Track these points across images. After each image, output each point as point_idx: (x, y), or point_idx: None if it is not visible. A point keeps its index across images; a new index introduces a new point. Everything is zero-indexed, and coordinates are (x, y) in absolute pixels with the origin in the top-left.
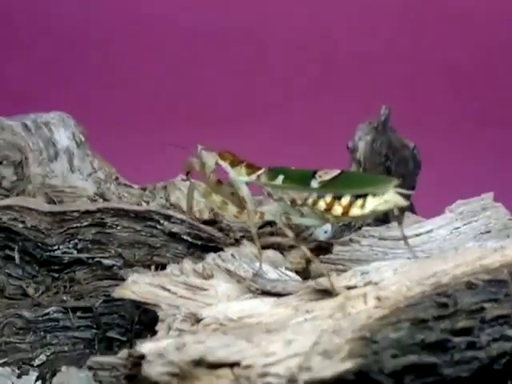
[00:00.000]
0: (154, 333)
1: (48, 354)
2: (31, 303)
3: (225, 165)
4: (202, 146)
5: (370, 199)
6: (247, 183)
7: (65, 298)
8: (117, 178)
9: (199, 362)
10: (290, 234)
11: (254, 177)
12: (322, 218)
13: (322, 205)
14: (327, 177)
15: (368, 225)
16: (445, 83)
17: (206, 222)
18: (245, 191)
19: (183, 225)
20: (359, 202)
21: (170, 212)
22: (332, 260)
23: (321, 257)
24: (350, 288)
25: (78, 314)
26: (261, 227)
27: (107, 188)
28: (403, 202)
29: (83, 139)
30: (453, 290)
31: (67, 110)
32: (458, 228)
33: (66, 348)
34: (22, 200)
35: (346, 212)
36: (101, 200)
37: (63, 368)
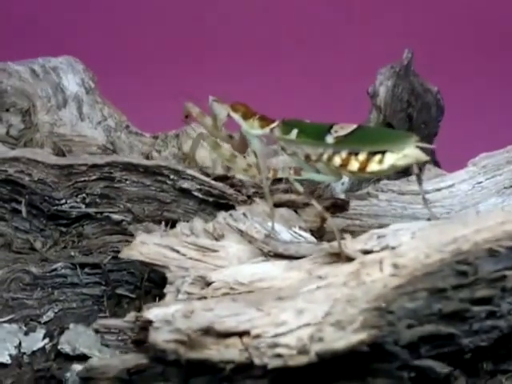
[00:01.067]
0: (162, 295)
1: (56, 310)
2: (39, 258)
3: (237, 117)
4: (213, 97)
5: (389, 154)
6: (260, 136)
7: (73, 254)
8: (127, 127)
9: (207, 331)
10: (301, 189)
11: (267, 130)
12: (337, 175)
13: (337, 160)
14: (343, 132)
15: (387, 178)
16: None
17: (217, 178)
18: (257, 145)
19: (194, 181)
20: (377, 157)
21: (180, 167)
22: (349, 215)
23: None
24: (365, 252)
25: (87, 270)
26: (274, 182)
27: (117, 137)
28: (424, 157)
29: (93, 85)
30: (473, 257)
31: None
32: (481, 183)
33: (74, 305)
34: (29, 152)
35: (363, 168)
36: (111, 149)
37: (71, 325)
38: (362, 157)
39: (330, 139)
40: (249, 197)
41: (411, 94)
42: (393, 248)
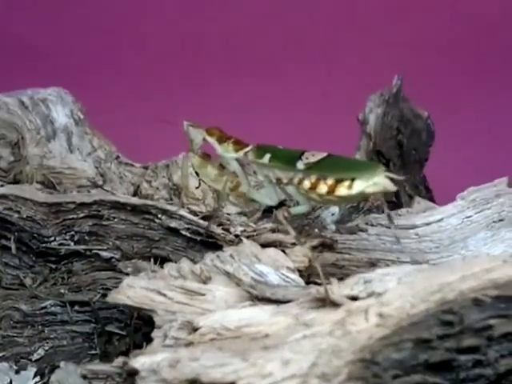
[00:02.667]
0: (151, 331)
1: (46, 348)
2: (28, 294)
3: (212, 141)
4: (188, 121)
5: (358, 181)
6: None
7: (62, 291)
8: (117, 157)
9: (193, 382)
10: (292, 232)
11: (241, 153)
12: (306, 197)
13: (306, 184)
14: (313, 159)
15: (377, 207)
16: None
17: (205, 217)
18: (235, 165)
19: (182, 220)
20: (347, 182)
21: (168, 206)
22: (338, 249)
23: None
24: (351, 298)
25: (76, 307)
26: (261, 219)
27: (107, 168)
28: (392, 187)
29: (82, 117)
30: (459, 306)
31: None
32: (470, 217)
33: (64, 342)
34: (17, 189)
35: (331, 191)
36: (101, 181)
37: (62, 363)
38: (330, 181)
39: (300, 165)
40: (236, 236)
41: (401, 121)
42: (379, 294)
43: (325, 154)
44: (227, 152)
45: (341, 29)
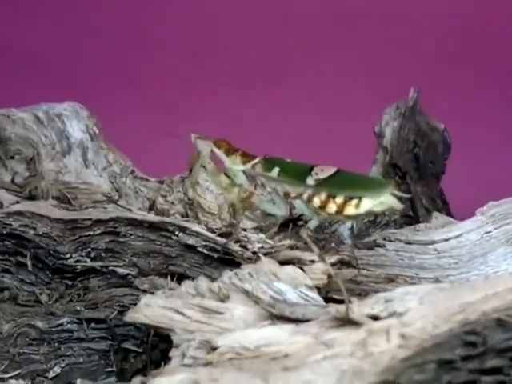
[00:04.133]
0: (168, 348)
1: (62, 365)
2: (44, 311)
3: (220, 153)
4: (195, 134)
5: (365, 199)
6: (242, 172)
7: (79, 308)
8: (133, 172)
9: None
10: (317, 250)
11: (248, 166)
12: (316, 214)
13: (316, 201)
14: (323, 175)
15: (394, 221)
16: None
17: (222, 234)
18: (242, 178)
19: (199, 237)
20: (354, 201)
21: (185, 223)
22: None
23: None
24: (372, 317)
25: (93, 324)
26: (278, 234)
27: (123, 182)
28: (399, 205)
29: (97, 131)
30: (482, 327)
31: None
32: (489, 232)
33: (80, 359)
34: (33, 206)
35: (340, 211)
36: (116, 196)
37: (78, 381)
38: (339, 200)
39: (310, 181)
40: (254, 253)
41: (417, 135)
42: (400, 314)
43: (334, 170)
44: (235, 164)
45: (348, 37)
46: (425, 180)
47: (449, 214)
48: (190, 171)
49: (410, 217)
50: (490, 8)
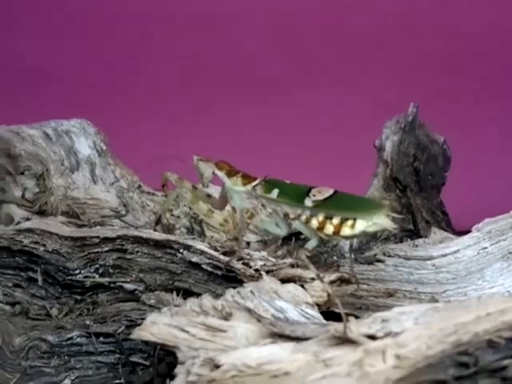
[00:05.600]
0: (175, 362)
1: (72, 378)
2: (55, 325)
3: (221, 174)
4: (198, 156)
5: (359, 220)
6: (242, 193)
7: (88, 322)
8: (139, 186)
9: None
10: (314, 270)
11: (249, 187)
12: (314, 235)
13: (314, 223)
14: (320, 197)
15: (394, 235)
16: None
17: (226, 253)
18: (237, 201)
19: (203, 255)
20: (349, 222)
21: (190, 242)
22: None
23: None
24: (369, 337)
25: (101, 338)
26: (277, 251)
27: (130, 197)
28: (392, 226)
29: (104, 148)
30: (474, 348)
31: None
32: (486, 248)
33: (90, 372)
34: (43, 223)
35: (337, 231)
36: (123, 211)
37: None
38: (336, 221)
39: (308, 202)
40: (256, 270)
41: (417, 148)
42: (396, 334)
43: (331, 192)
44: (236, 186)
45: (348, 50)
46: (425, 192)
47: (449, 225)
48: (163, 187)
49: (411, 230)
50: (488, 20)
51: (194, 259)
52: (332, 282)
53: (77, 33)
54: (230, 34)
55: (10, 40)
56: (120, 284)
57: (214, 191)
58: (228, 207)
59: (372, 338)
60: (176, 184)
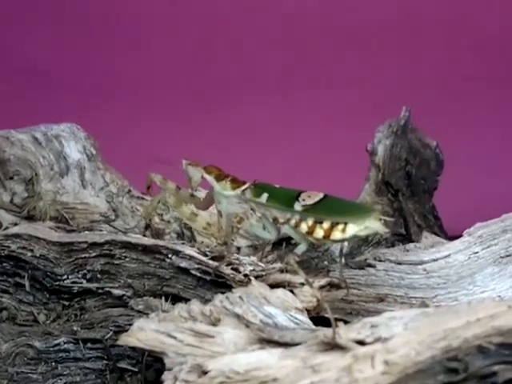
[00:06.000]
0: (160, 375)
1: None
2: (42, 331)
3: (210, 179)
4: (187, 160)
5: (350, 224)
6: (231, 197)
7: (75, 328)
8: (129, 191)
9: None
10: (303, 275)
11: (238, 191)
12: (304, 239)
13: (304, 227)
14: (310, 201)
15: (386, 240)
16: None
17: (215, 258)
18: (224, 206)
19: (192, 260)
20: (340, 226)
21: (179, 247)
22: (347, 284)
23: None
24: (358, 342)
25: (89, 344)
26: (266, 257)
27: (119, 202)
28: (384, 229)
29: (94, 152)
30: (463, 354)
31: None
32: (477, 253)
33: (77, 378)
34: (31, 228)
35: (327, 236)
36: (113, 216)
37: None
38: (326, 225)
39: (298, 206)
40: (246, 275)
41: (409, 152)
42: (385, 339)
43: (321, 196)
44: (225, 190)
45: (344, 50)
46: (417, 197)
47: (441, 229)
48: (148, 189)
49: (402, 235)
50: (489, 20)
51: (183, 264)
52: (322, 287)
53: (74, 34)
54: (229, 35)
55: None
56: (108, 289)
57: (204, 195)
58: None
59: (361, 343)
60: (160, 185)
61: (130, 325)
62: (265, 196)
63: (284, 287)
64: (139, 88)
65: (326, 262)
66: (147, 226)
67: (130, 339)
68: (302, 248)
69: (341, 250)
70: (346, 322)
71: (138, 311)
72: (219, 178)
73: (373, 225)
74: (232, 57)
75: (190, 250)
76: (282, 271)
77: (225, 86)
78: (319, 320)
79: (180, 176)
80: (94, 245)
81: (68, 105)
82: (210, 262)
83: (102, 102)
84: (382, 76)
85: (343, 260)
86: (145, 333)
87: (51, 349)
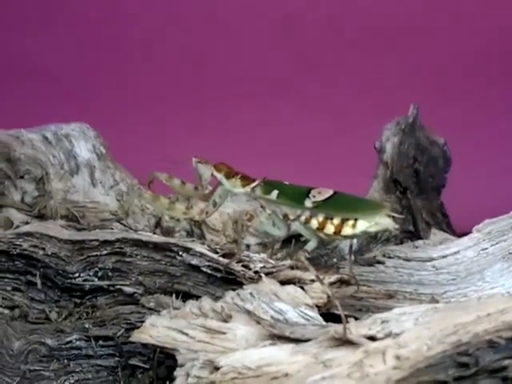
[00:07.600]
0: (172, 372)
1: (72, 381)
2: (54, 328)
3: (220, 176)
4: (197, 158)
5: (361, 221)
6: (240, 193)
7: (87, 325)
8: (139, 189)
9: None
10: (314, 271)
11: (248, 189)
12: (314, 235)
13: (314, 223)
14: (320, 197)
15: (395, 237)
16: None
17: (225, 255)
18: (222, 199)
19: (203, 257)
20: (351, 222)
21: (189, 244)
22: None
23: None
24: (369, 338)
25: (101, 342)
26: (277, 253)
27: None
28: (394, 226)
29: (104, 151)
30: (474, 348)
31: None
32: (486, 249)
33: (89, 375)
34: (42, 227)
35: (338, 231)
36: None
37: None
38: (336, 221)
39: (308, 203)
40: (256, 272)
41: (417, 149)
42: (396, 335)
43: (331, 192)
44: (235, 187)
45: (349, 49)
46: (425, 194)
47: (449, 226)
48: (149, 184)
49: (411, 232)
50: (490, 20)
51: (194, 262)
52: (332, 284)
53: (77, 34)
54: (231, 34)
55: (10, 42)
56: (119, 287)
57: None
58: (227, 210)
59: (372, 339)
60: (166, 182)
61: (142, 322)
62: (275, 193)
63: (294, 284)
64: (139, 88)
65: (335, 260)
66: (157, 224)
67: (142, 336)
68: (312, 245)
69: (350, 247)
70: (356, 319)
71: (149, 308)
72: (229, 175)
73: (383, 221)
74: (232, 57)
75: (200, 248)
76: (292, 268)
77: (225, 86)
78: (329, 316)
79: (181, 174)
80: (105, 243)
81: (68, 105)
82: (221, 259)
83: (103, 102)
84: (384, 76)
85: (352, 257)
86: (157, 329)
87: (63, 346)
